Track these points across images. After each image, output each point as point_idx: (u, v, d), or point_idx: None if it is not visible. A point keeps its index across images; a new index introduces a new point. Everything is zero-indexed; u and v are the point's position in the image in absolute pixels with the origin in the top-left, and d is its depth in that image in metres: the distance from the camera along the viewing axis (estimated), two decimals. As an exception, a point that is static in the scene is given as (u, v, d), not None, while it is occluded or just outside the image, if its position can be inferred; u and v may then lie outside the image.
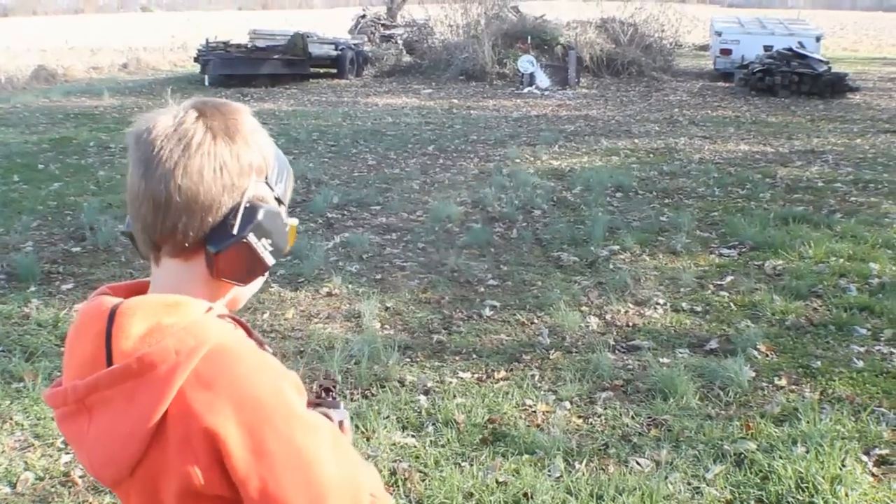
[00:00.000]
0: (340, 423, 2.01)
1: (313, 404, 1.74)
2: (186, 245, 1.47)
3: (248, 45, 24.82)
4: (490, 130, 15.79)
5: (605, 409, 5.13)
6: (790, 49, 21.58)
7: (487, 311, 6.68)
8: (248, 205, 1.48)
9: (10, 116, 17.00)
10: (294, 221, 1.65)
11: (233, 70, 22.74)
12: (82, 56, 28.19)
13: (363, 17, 34.39)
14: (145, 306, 1.43)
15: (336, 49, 25.41)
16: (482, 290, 7.20)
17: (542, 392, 5.35)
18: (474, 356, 5.90)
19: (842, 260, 7.83)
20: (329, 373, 1.66)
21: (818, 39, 24.25)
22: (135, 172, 1.46)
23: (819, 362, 5.75)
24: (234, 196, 1.48)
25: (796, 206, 9.86)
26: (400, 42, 30.09)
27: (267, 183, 1.55)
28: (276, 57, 23.74)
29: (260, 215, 1.48)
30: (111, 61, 27.78)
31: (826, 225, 8.97)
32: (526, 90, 22.09)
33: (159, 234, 1.47)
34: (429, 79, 24.84)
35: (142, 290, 1.57)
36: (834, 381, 5.49)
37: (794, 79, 20.41)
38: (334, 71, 25.33)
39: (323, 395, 1.82)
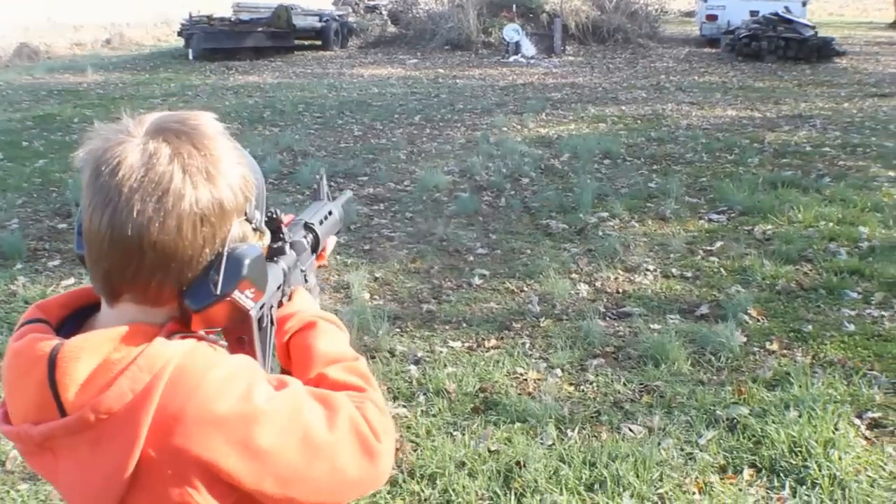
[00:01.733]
0: (311, 256, 1.91)
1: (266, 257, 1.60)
2: (157, 297, 1.34)
3: (232, 19, 24.64)
4: (476, 99, 15.71)
5: (597, 376, 5.10)
6: (776, 14, 21.51)
7: (477, 280, 6.64)
8: (230, 254, 1.35)
9: (-7, 94, 16.86)
10: (267, 238, 1.54)
11: (217, 44, 22.56)
12: (65, 33, 27.90)
13: (347, -13, 34.14)
14: (89, 345, 1.28)
15: (320, 21, 25.23)
16: (471, 258, 7.16)
17: (534, 360, 5.32)
18: (464, 325, 5.87)
19: (831, 224, 7.81)
20: (269, 213, 1.51)
21: (804, 4, 24.15)
22: (96, 212, 1.29)
23: (810, 326, 5.73)
24: (216, 245, 1.35)
25: (785, 170, 9.83)
26: (384, 13, 29.87)
27: (247, 219, 1.41)
28: (260, 30, 23.57)
29: (245, 269, 1.35)
30: (94, 37, 27.53)
31: (815, 189, 8.95)
32: (512, 59, 21.99)
33: (126, 284, 1.32)
34: (414, 49, 24.70)
35: (78, 303, 1.45)
36: (825, 344, 5.47)
37: (780, 44, 20.37)
38: (319, 43, 25.16)
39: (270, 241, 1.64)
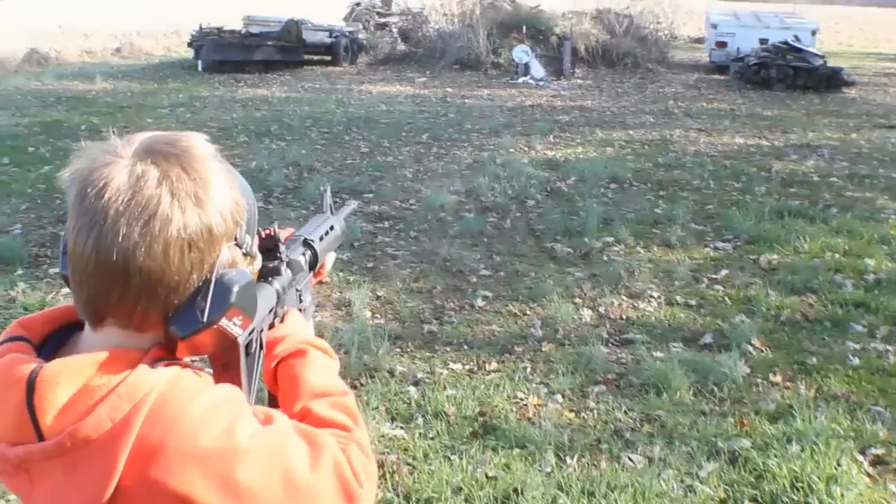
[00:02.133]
0: (307, 275, 1.85)
1: (260, 276, 1.58)
2: (142, 323, 1.30)
3: (242, 31, 24.63)
4: (484, 119, 15.67)
5: (598, 403, 5.06)
6: (786, 42, 21.49)
7: (480, 302, 6.60)
8: (218, 281, 1.31)
9: (1, 99, 16.78)
10: (258, 262, 1.51)
11: (226, 56, 22.55)
12: (75, 39, 27.94)
13: (358, 4, 34.14)
14: (69, 369, 1.24)
15: (331, 36, 25.22)
16: (474, 280, 7.12)
17: (534, 385, 5.28)
18: (465, 347, 5.83)
19: (837, 255, 7.77)
20: (265, 230, 1.47)
21: (814, 33, 24.13)
22: (81, 234, 1.25)
23: (814, 359, 5.69)
24: (204, 271, 1.31)
25: (792, 200, 9.78)
26: (395, 30, 29.88)
27: (237, 243, 1.37)
28: (269, 43, 23.54)
29: (233, 297, 1.32)
30: (104, 45, 27.50)
31: (822, 219, 8.91)
32: (521, 80, 21.96)
33: (110, 308, 1.28)
34: (423, 67, 24.68)
35: (61, 320, 1.41)
36: (829, 378, 5.43)
37: (789, 72, 20.32)
38: (328, 58, 25.14)
39: (265, 260, 1.61)
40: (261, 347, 1.57)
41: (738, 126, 15.31)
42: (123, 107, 15.97)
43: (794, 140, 13.97)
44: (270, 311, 1.61)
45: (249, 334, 1.47)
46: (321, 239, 1.93)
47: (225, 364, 1.45)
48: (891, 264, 7.55)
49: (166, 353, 1.32)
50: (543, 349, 5.79)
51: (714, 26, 24.59)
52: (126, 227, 1.23)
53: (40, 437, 1.23)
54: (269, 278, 1.63)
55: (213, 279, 1.31)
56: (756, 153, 12.79)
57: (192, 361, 1.36)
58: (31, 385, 1.23)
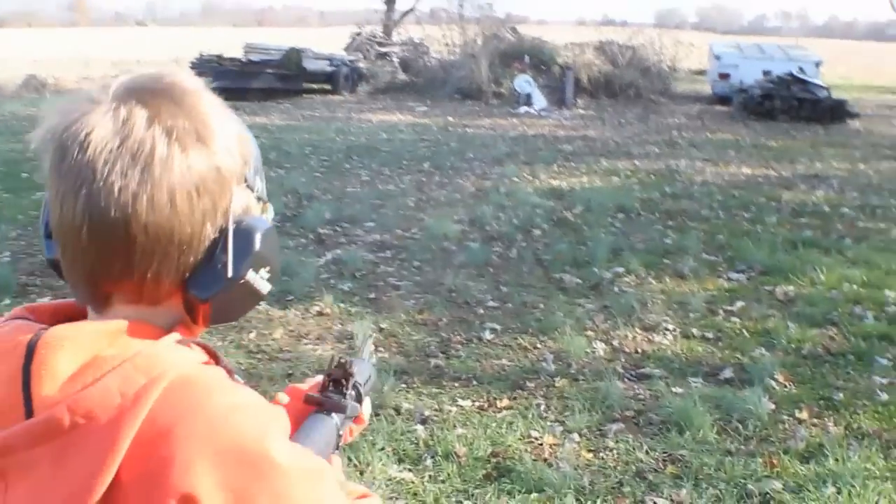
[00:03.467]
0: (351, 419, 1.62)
1: (315, 402, 1.43)
2: (155, 292, 1.08)
3: (243, 59, 24.53)
4: (487, 149, 15.48)
5: (617, 442, 4.77)
6: (790, 74, 21.38)
7: (488, 335, 6.33)
8: (238, 228, 1.11)
9: (-3, 125, 16.65)
10: (271, 212, 1.29)
11: (226, 83, 22.36)
12: (74, 67, 27.90)
13: (359, 34, 34.12)
14: (77, 335, 1.02)
15: (331, 65, 25.14)
16: (481, 311, 6.85)
17: (549, 423, 4.99)
18: (475, 382, 5.54)
19: (855, 286, 7.52)
20: (340, 360, 1.31)
21: (818, 65, 24.05)
22: (67, 199, 1.03)
23: (841, 394, 5.42)
24: (217, 220, 1.09)
25: (804, 230, 9.56)
26: (395, 60, 29.84)
27: (248, 185, 1.16)
28: (270, 71, 23.46)
29: (257, 243, 1.12)
30: (103, 73, 27.40)
31: (837, 250, 8.67)
32: (522, 110, 21.82)
33: (115, 283, 1.06)
34: (424, 97, 24.56)
35: (68, 313, 1.16)
36: (858, 414, 5.16)
37: (794, 104, 20.19)
38: (328, 87, 25.04)
39: (331, 387, 1.47)
40: None
41: (743, 156, 15.14)
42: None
43: (801, 170, 13.79)
44: (328, 446, 1.40)
45: None
46: (364, 383, 1.70)
47: None
48: (912, 296, 7.28)
49: (193, 335, 1.12)
50: (557, 384, 5.51)
51: (717, 58, 24.50)
52: (121, 178, 1.02)
53: (30, 415, 0.99)
54: (331, 413, 1.44)
55: (231, 227, 1.11)
56: (764, 183, 12.58)
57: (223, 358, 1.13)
58: (30, 350, 1.01)
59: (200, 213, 1.06)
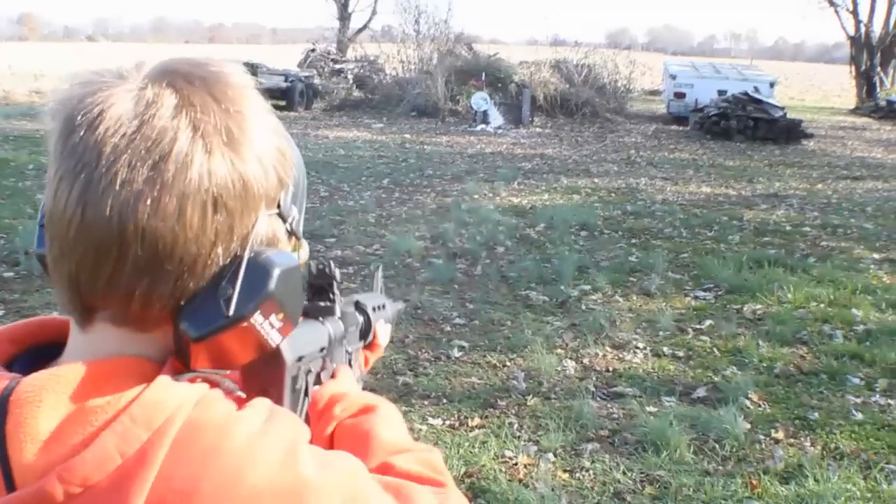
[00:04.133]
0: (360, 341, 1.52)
1: (308, 314, 1.27)
2: (145, 316, 0.90)
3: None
4: (446, 166, 15.39)
5: (593, 462, 4.65)
6: (746, 93, 21.52)
7: (456, 352, 6.20)
8: (253, 260, 0.92)
9: (-54, 138, 16.32)
10: (305, 252, 1.10)
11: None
12: (25, 81, 27.50)
13: (313, 50, 34.06)
14: (56, 383, 0.84)
15: (286, 81, 24.96)
16: (448, 328, 6.72)
17: (523, 442, 4.86)
18: (445, 401, 5.41)
19: (823, 305, 7.49)
20: (318, 265, 1.17)
21: (772, 85, 24.29)
22: (64, 183, 0.86)
23: (816, 413, 5.35)
24: (233, 244, 0.91)
25: (767, 248, 9.54)
26: (350, 77, 29.76)
27: (280, 214, 0.97)
28: (224, 87, 23.28)
29: (272, 283, 0.91)
30: (55, 87, 27.12)
31: (802, 269, 8.64)
32: (479, 127, 21.77)
33: (100, 295, 0.88)
34: (380, 113, 24.46)
35: (33, 338, 0.99)
36: (835, 433, 5.08)
37: (749, 123, 20.34)
38: (283, 103, 24.86)
39: (315, 297, 1.32)
40: (306, 394, 1.18)
41: (702, 175, 15.19)
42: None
43: (760, 190, 13.85)
44: (321, 350, 1.23)
45: (298, 361, 1.11)
46: (374, 309, 1.55)
47: (263, 388, 1.06)
48: (879, 315, 7.26)
49: (184, 368, 0.92)
50: (529, 403, 5.38)
51: (673, 77, 24.65)
52: (126, 170, 0.84)
53: (10, 486, 0.82)
54: (320, 318, 1.27)
55: (246, 256, 0.91)
56: (725, 202, 12.60)
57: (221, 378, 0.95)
58: (2, 408, 0.83)
59: (212, 232, 0.88)
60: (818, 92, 46.90)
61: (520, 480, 4.43)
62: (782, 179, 14.96)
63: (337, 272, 1.33)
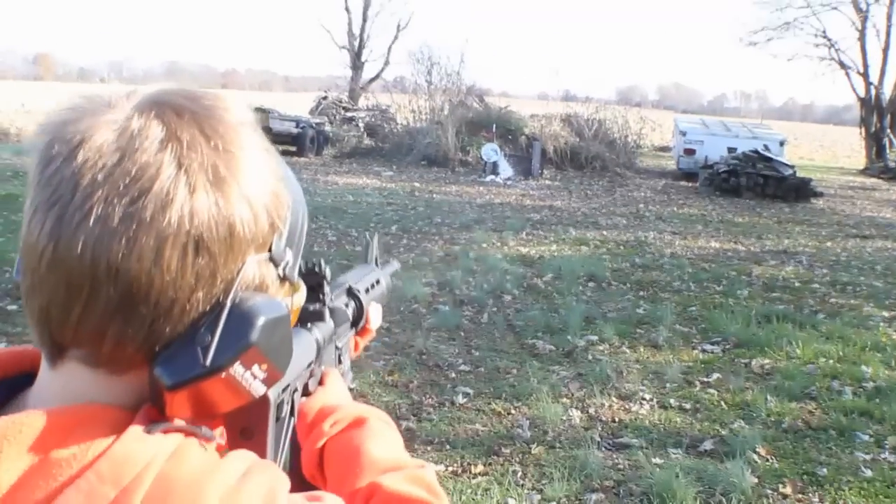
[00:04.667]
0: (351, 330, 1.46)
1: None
2: (118, 357, 0.84)
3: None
4: (454, 214, 15.38)
5: (598, 513, 4.57)
6: (756, 151, 21.54)
7: (460, 399, 6.13)
8: (236, 306, 0.85)
9: (-44, 174, 16.39)
10: (301, 297, 1.03)
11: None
12: (38, 119, 27.69)
13: (325, 98, 34.27)
14: (19, 432, 0.77)
15: (297, 126, 25.08)
16: (453, 375, 6.66)
17: (526, 490, 4.78)
18: (448, 447, 5.33)
19: (832, 361, 7.41)
20: (309, 264, 1.13)
21: (782, 144, 24.31)
22: (37, 215, 0.81)
23: (825, 469, 5.26)
24: (215, 289, 0.85)
25: (776, 304, 9.47)
26: (361, 125, 29.90)
27: (272, 258, 0.91)
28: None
29: (254, 333, 0.85)
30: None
31: (811, 325, 8.57)
32: (489, 178, 21.80)
33: (70, 333, 0.82)
34: (390, 162, 24.53)
35: (18, 364, 0.93)
36: (843, 490, 5.00)
37: (759, 181, 20.32)
38: (293, 149, 24.95)
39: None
40: (292, 414, 1.13)
41: (711, 231, 15.15)
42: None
43: (769, 246, 13.79)
44: (308, 366, 1.18)
45: (282, 392, 1.05)
46: (367, 291, 1.50)
47: (245, 429, 1.01)
48: (888, 372, 7.18)
49: (162, 417, 0.85)
50: (533, 451, 5.31)
51: (683, 133, 24.70)
52: (103, 205, 0.78)
53: None
54: (308, 324, 1.22)
55: (228, 303, 0.85)
56: (734, 257, 12.55)
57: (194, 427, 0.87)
58: None
59: (192, 276, 0.82)
60: (827, 152, 47.02)
61: (523, 529, 4.36)
62: (791, 236, 14.92)
63: (328, 271, 1.29)
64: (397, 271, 1.72)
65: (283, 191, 0.91)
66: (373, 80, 42.88)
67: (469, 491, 4.72)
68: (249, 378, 0.87)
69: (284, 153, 22.70)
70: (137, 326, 0.81)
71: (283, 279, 0.94)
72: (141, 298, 0.80)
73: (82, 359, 0.83)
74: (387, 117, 29.90)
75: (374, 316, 1.51)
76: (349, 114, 32.03)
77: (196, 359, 0.83)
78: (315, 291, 1.26)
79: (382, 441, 1.14)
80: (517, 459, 5.20)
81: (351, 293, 1.44)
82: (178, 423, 0.84)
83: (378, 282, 1.58)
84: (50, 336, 0.83)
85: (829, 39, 37.40)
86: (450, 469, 5.02)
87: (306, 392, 1.20)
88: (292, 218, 0.95)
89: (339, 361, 1.35)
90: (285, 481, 0.87)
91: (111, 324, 0.81)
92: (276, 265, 0.91)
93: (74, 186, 0.79)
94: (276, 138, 24.26)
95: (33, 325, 0.85)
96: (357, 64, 43.92)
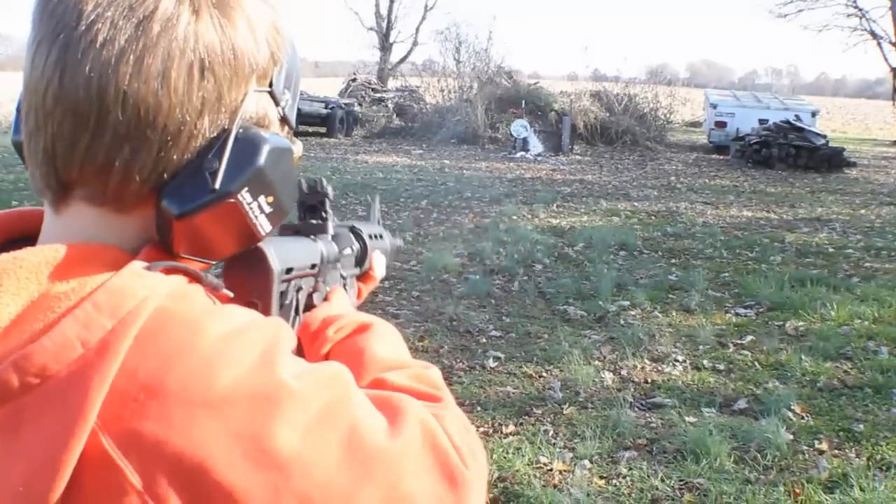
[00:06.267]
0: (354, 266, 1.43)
1: (292, 231, 1.22)
2: (124, 192, 0.83)
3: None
4: (484, 189, 15.34)
5: (630, 469, 4.52)
6: (787, 122, 21.32)
7: (491, 363, 6.10)
8: (241, 133, 0.85)
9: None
10: (298, 148, 1.01)
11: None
12: None
13: (354, 80, 34.25)
14: (17, 268, 0.77)
15: (326, 108, 25.10)
16: (484, 340, 6.63)
17: (558, 449, 4.74)
18: (479, 409, 5.30)
19: (867, 322, 7.32)
20: (309, 183, 1.12)
21: (814, 115, 24.06)
22: (41, 48, 0.80)
23: (861, 426, 5.19)
24: (220, 117, 0.85)
25: (810, 269, 9.37)
26: (391, 105, 29.87)
27: (272, 93, 0.91)
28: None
29: (261, 157, 0.85)
30: None
31: (845, 288, 8.47)
32: (518, 155, 21.73)
33: (77, 168, 0.82)
34: (419, 141, 24.51)
35: (22, 224, 0.93)
36: (881, 445, 4.92)
37: (791, 151, 20.13)
38: (323, 129, 24.98)
39: (307, 216, 1.27)
40: (297, 313, 1.11)
41: (743, 201, 15.03)
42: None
43: (802, 214, 13.68)
44: (313, 267, 1.16)
45: (287, 273, 1.04)
46: (371, 237, 1.47)
47: (249, 300, 0.98)
48: (925, 332, 7.08)
49: (166, 257, 0.83)
50: (565, 412, 5.27)
51: (714, 106, 24.48)
52: (108, 28, 0.77)
53: None
54: (312, 235, 1.21)
55: (234, 130, 0.85)
56: (766, 226, 12.44)
57: (206, 275, 0.85)
58: None
59: (199, 100, 0.82)
60: (860, 125, 46.55)
61: (554, 486, 4.32)
62: (824, 205, 14.78)
63: (329, 189, 1.26)
64: (400, 248, 1.69)
65: (282, 26, 0.90)
66: (401, 61, 42.81)
67: (500, 450, 4.68)
68: (256, 210, 0.87)
69: (314, 134, 22.83)
70: (146, 154, 0.82)
71: (283, 120, 0.94)
72: (149, 123, 0.80)
73: (87, 197, 0.83)
74: (416, 97, 29.86)
75: (378, 264, 1.48)
76: (378, 95, 32.01)
77: (205, 185, 0.83)
78: (317, 210, 1.25)
79: (388, 343, 1.11)
80: (549, 419, 5.16)
81: (354, 232, 1.42)
82: (183, 265, 0.83)
83: (381, 235, 1.55)
84: (56, 175, 0.83)
85: (861, 9, 36.88)
86: (481, 430, 4.98)
87: (311, 306, 1.17)
88: (290, 59, 0.94)
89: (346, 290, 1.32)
90: (291, 339, 0.86)
91: (119, 153, 0.81)
92: (277, 103, 0.92)
93: (79, 15, 0.78)
94: (306, 119, 24.31)
95: (37, 169, 0.84)
96: (385, 45, 43.87)
